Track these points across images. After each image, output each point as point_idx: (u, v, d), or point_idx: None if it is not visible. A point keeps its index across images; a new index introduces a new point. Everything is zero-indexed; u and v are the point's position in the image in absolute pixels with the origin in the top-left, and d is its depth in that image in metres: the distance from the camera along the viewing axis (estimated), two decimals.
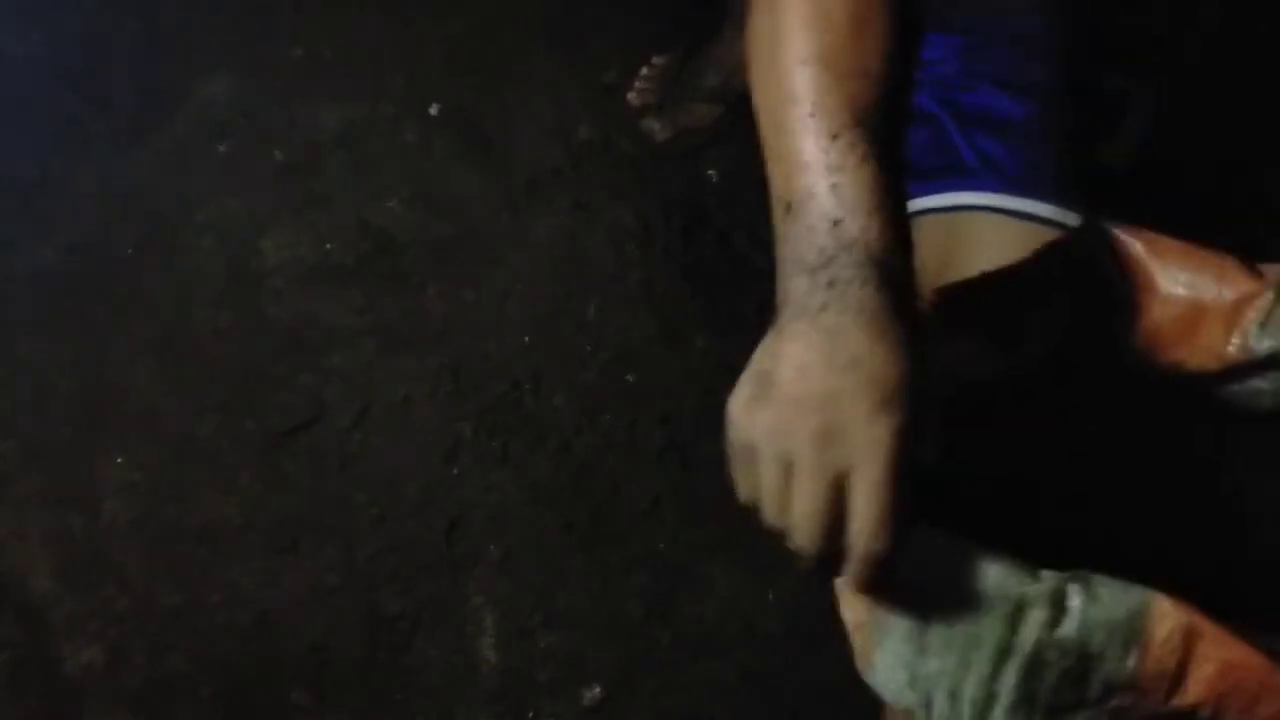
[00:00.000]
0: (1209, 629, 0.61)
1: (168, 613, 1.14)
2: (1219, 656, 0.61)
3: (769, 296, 0.61)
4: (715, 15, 1.45)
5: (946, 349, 0.76)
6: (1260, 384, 0.80)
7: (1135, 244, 0.79)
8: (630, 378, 1.28)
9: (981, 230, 0.95)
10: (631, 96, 1.46)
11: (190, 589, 1.14)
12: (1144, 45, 1.06)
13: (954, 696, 0.68)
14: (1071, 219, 0.93)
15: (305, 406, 1.25)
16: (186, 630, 1.13)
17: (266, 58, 1.49)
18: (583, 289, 1.33)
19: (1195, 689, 0.62)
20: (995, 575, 0.65)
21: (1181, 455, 0.79)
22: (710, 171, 1.43)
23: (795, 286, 0.60)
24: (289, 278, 1.32)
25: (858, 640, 0.69)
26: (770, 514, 0.60)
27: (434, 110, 1.46)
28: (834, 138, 0.62)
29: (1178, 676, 0.62)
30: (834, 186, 0.61)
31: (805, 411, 0.58)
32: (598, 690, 1.12)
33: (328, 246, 1.34)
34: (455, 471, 1.22)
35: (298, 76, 1.49)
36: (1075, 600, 0.63)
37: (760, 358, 0.60)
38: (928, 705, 0.69)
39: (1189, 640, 0.61)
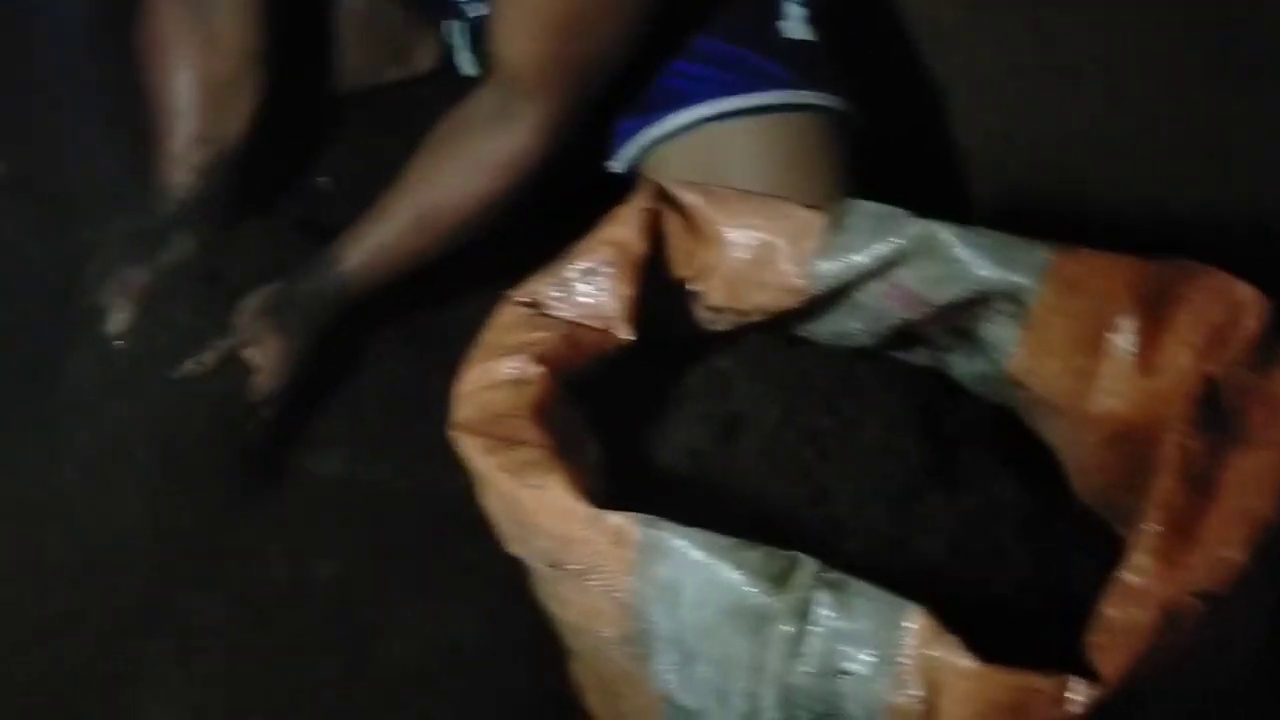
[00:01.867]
0: (958, 654, 0.57)
1: None
2: (969, 689, 0.57)
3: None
4: None
5: None
6: (854, 324, 0.82)
7: (691, 197, 0.80)
8: None
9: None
10: None
11: None
12: None
13: (723, 705, 0.66)
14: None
15: None
16: None
17: None
18: None
19: None
20: (737, 582, 0.62)
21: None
22: (321, 179, 1.37)
23: None
24: None
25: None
26: None
27: None
28: None
29: (931, 705, 0.58)
30: None
31: None
32: None
33: None
34: None
35: None
36: (823, 610, 0.60)
37: None
38: (706, 710, 0.68)
39: (937, 666, 0.58)
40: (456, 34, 1.28)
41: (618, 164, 1.16)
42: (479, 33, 1.20)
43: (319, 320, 1.08)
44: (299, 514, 1.14)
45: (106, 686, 1.05)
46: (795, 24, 1.12)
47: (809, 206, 0.78)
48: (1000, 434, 0.80)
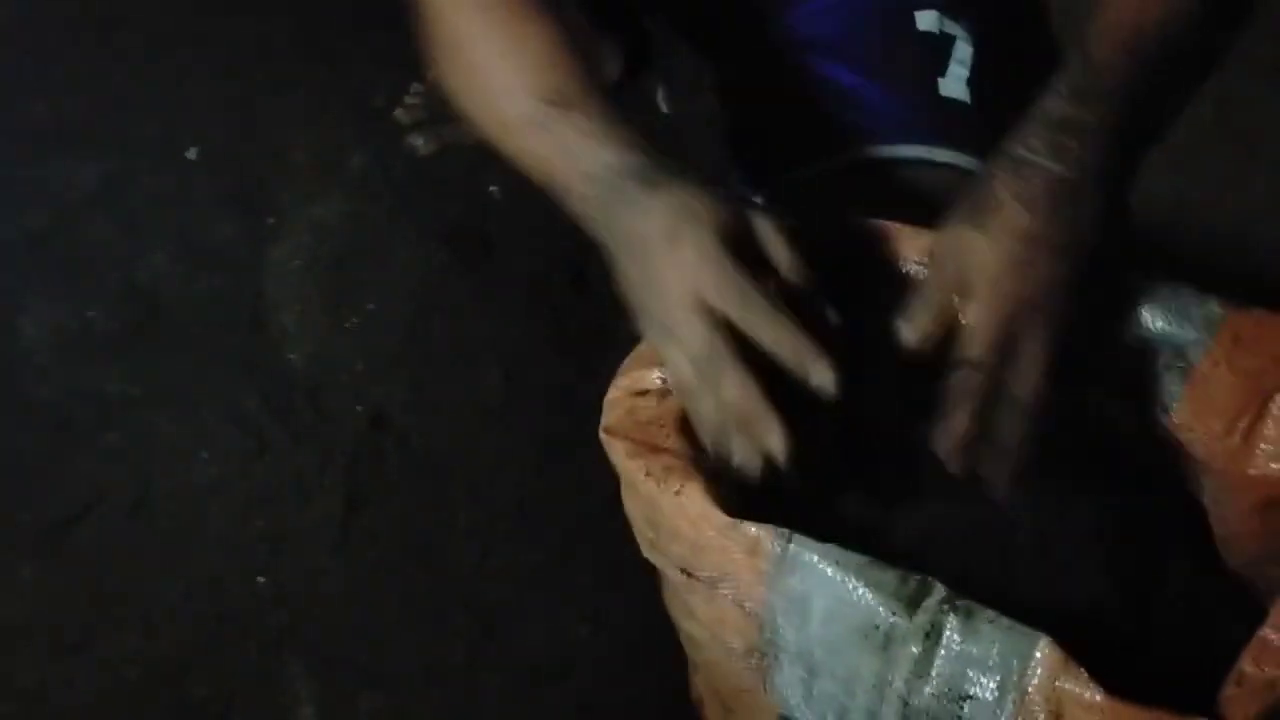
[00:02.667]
0: (1086, 686, 0.57)
1: None
2: None
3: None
4: None
5: None
6: None
7: (886, 231, 0.80)
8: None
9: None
10: (399, 114, 1.45)
11: None
12: None
13: None
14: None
15: (83, 491, 1.21)
16: None
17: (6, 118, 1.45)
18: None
19: None
20: (869, 601, 0.62)
21: None
22: (492, 188, 1.43)
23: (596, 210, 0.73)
24: (52, 353, 1.28)
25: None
26: None
27: (192, 155, 1.43)
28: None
29: None
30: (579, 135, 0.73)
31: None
32: None
33: (89, 314, 1.30)
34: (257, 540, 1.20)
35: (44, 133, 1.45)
36: (951, 634, 0.60)
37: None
38: None
39: (1063, 697, 0.58)
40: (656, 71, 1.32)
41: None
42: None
43: None
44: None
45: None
46: (954, 83, 1.12)
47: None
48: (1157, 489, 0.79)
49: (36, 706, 1.12)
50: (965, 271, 0.71)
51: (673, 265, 0.67)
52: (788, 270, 0.69)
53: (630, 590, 1.09)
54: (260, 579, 1.17)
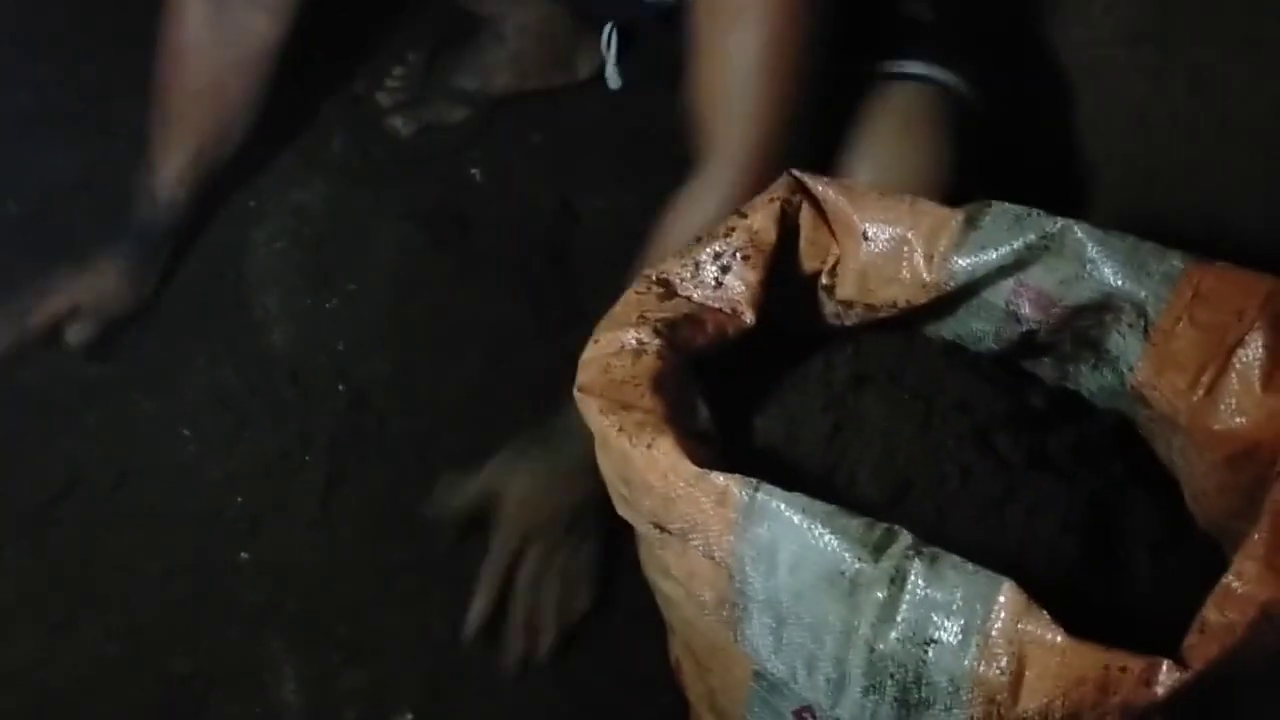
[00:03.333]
0: (1048, 628, 0.59)
1: None
2: (1056, 663, 0.59)
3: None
4: (468, 21, 1.49)
5: None
6: (981, 325, 0.84)
7: (828, 190, 0.82)
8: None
9: None
10: (380, 96, 1.47)
11: None
12: None
13: (811, 671, 0.69)
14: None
15: (64, 472, 1.22)
16: None
17: None
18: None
19: (1030, 697, 0.60)
20: (835, 547, 0.64)
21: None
22: (473, 171, 1.44)
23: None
24: None
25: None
26: None
27: None
28: None
29: (1016, 676, 0.60)
30: None
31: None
32: (410, 717, 1.11)
33: None
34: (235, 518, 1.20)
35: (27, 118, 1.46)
36: (916, 579, 0.62)
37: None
38: (794, 676, 0.70)
39: (1025, 639, 0.59)
40: (606, 45, 1.34)
41: None
42: (628, 41, 1.25)
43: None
44: None
45: None
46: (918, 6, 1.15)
47: (946, 205, 0.80)
48: (1125, 449, 0.80)
49: (19, 685, 1.12)
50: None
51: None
52: None
53: (611, 566, 1.10)
54: (243, 554, 1.18)
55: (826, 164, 1.06)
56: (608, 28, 1.32)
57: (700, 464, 0.69)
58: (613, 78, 1.35)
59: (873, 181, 0.98)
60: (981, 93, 1.12)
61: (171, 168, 1.27)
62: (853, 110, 1.10)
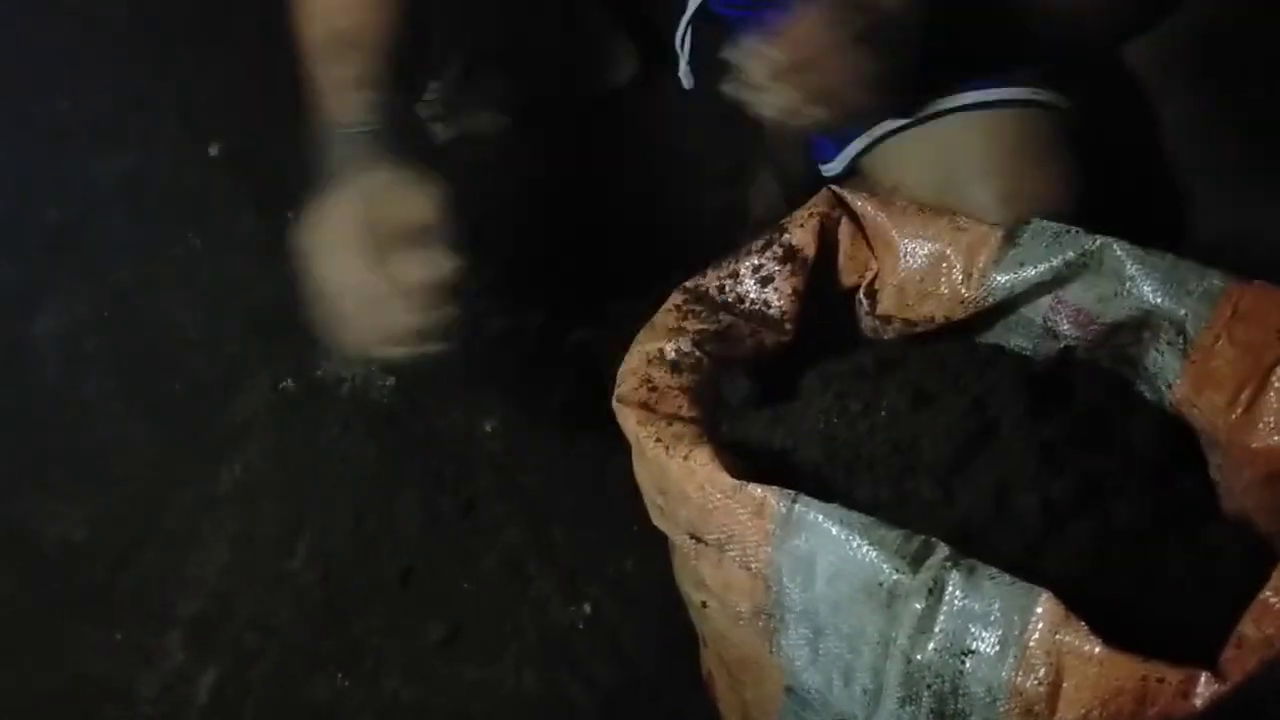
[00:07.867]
0: (1086, 639, 0.60)
1: None
2: (1094, 674, 0.59)
3: None
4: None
5: None
6: (1019, 341, 0.84)
7: (868, 206, 0.83)
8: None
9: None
10: (417, 109, 1.48)
11: None
12: None
13: (848, 682, 0.70)
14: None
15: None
16: None
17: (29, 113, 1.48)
18: None
19: (1068, 708, 0.60)
20: (873, 558, 0.65)
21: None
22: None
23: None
24: (71, 346, 1.31)
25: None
26: None
27: (214, 151, 1.46)
28: None
29: (1054, 687, 0.61)
30: None
31: None
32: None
33: (106, 312, 1.34)
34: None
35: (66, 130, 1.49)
36: (954, 590, 0.63)
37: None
38: (830, 688, 0.71)
39: (1063, 650, 0.60)
40: (680, 44, 1.33)
41: (834, 166, 1.15)
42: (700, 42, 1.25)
43: None
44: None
45: None
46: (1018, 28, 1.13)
47: (986, 221, 0.82)
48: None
49: None
50: None
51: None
52: None
53: (618, 566, 1.14)
54: None
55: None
56: (683, 25, 1.31)
57: (737, 475, 0.70)
58: (686, 77, 1.34)
59: (1002, 214, 0.90)
60: (1084, 112, 1.09)
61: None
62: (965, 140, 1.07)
